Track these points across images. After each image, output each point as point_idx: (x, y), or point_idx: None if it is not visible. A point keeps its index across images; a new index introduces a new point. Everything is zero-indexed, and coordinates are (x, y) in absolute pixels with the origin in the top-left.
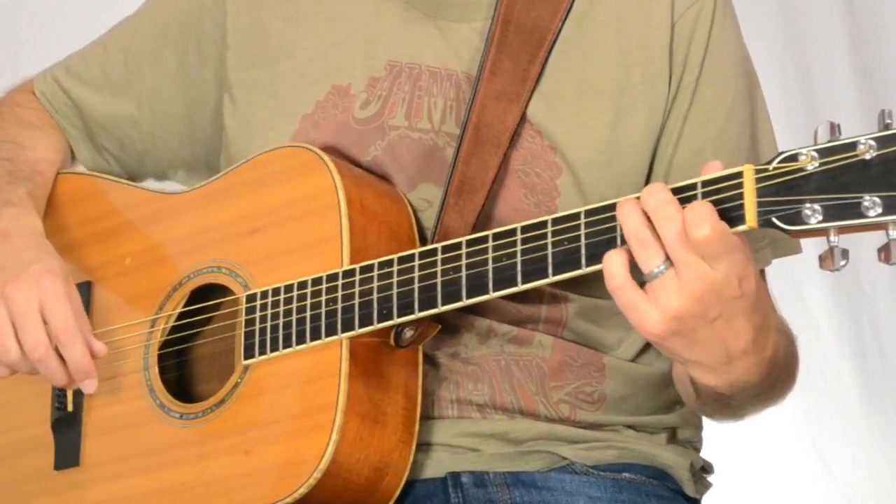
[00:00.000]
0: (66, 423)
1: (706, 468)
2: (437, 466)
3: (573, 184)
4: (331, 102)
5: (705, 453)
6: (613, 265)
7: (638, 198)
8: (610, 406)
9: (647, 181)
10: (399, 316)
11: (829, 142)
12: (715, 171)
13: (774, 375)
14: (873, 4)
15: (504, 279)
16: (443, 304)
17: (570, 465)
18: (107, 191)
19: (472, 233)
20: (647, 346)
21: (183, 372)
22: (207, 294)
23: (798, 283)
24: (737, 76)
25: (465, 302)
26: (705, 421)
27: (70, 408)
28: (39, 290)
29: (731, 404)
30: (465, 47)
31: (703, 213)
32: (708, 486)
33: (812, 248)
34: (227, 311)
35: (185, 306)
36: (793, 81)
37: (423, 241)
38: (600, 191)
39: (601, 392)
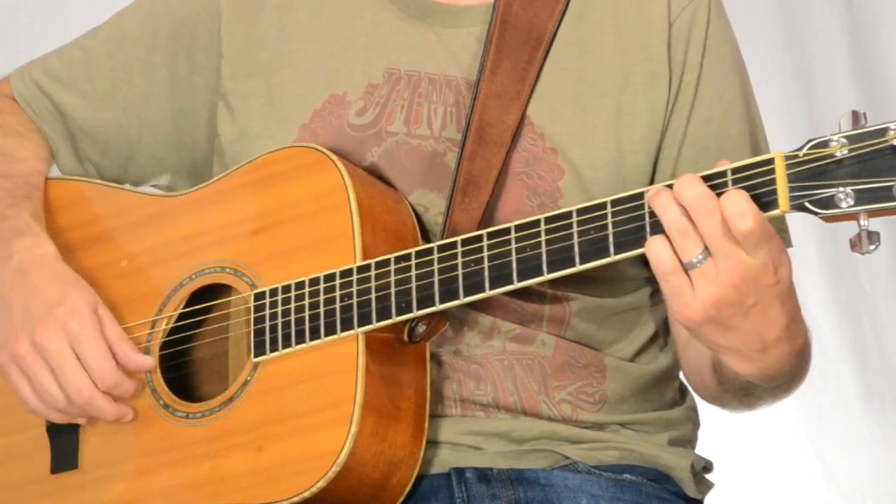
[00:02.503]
0: (63, 427)
1: (707, 467)
2: (440, 463)
3: (576, 185)
4: (327, 110)
5: (706, 453)
6: (661, 250)
7: (669, 186)
8: (611, 406)
9: (651, 179)
10: (419, 308)
11: (858, 128)
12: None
13: (801, 365)
14: (873, 4)
15: (529, 269)
16: (465, 296)
17: (572, 464)
18: (97, 195)
19: (478, 230)
20: (647, 346)
21: (183, 373)
22: (210, 295)
23: (798, 283)
24: (732, 74)
25: (489, 293)
26: (705, 421)
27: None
28: (69, 335)
29: (755, 394)
30: (464, 53)
31: (744, 206)
32: (710, 485)
33: (813, 247)
34: (230, 310)
35: (186, 307)
36: (793, 81)
37: (426, 243)
38: (604, 190)
39: (602, 392)
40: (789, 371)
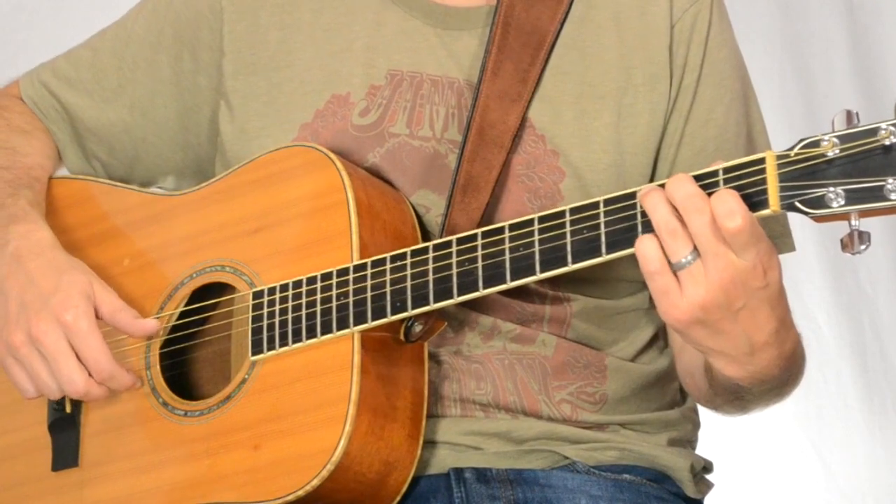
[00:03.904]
0: (64, 425)
1: (707, 468)
2: (440, 463)
3: (577, 187)
4: (330, 111)
5: (706, 453)
6: (649, 250)
7: (661, 185)
8: (611, 406)
9: (651, 181)
10: (414, 307)
11: (850, 128)
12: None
13: (791, 370)
14: (873, 4)
15: (522, 268)
16: (459, 295)
17: (571, 464)
18: (101, 194)
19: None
20: (648, 346)
21: (184, 371)
22: (211, 294)
23: (798, 283)
24: (733, 76)
25: (482, 292)
26: (705, 421)
27: (68, 409)
28: (64, 327)
29: (746, 398)
30: (466, 55)
31: (732, 205)
32: (710, 486)
33: (812, 247)
34: (230, 309)
35: (186, 306)
36: (793, 81)
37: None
38: (605, 192)
39: (603, 393)
40: (778, 375)
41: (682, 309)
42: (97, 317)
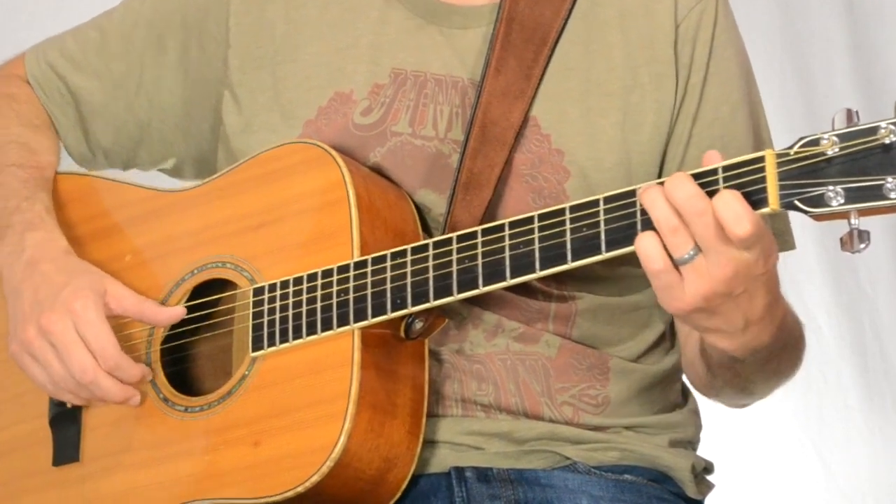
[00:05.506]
0: (65, 419)
1: (708, 469)
2: (440, 462)
3: (582, 186)
4: (332, 108)
5: (706, 452)
6: (650, 247)
7: (661, 183)
8: (613, 409)
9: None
10: (414, 305)
11: (850, 127)
12: (713, 162)
13: (783, 340)
14: (873, 4)
15: (522, 266)
16: (459, 292)
17: (572, 464)
18: (104, 190)
19: None
20: (653, 347)
21: (185, 367)
22: (213, 290)
23: (798, 283)
24: (738, 75)
25: (482, 289)
26: (706, 421)
27: (69, 404)
28: (73, 316)
29: (743, 372)
30: (470, 53)
31: (739, 210)
32: (710, 486)
33: (812, 247)
34: (231, 305)
35: (188, 302)
36: (793, 81)
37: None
38: (610, 191)
39: (605, 395)
40: (770, 343)
41: (685, 301)
42: (121, 314)
